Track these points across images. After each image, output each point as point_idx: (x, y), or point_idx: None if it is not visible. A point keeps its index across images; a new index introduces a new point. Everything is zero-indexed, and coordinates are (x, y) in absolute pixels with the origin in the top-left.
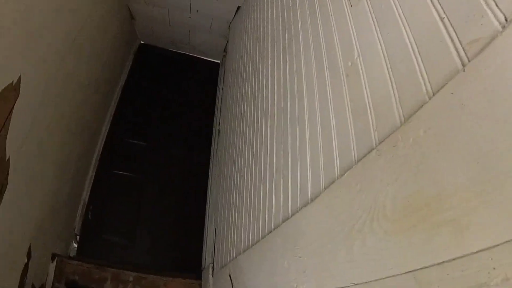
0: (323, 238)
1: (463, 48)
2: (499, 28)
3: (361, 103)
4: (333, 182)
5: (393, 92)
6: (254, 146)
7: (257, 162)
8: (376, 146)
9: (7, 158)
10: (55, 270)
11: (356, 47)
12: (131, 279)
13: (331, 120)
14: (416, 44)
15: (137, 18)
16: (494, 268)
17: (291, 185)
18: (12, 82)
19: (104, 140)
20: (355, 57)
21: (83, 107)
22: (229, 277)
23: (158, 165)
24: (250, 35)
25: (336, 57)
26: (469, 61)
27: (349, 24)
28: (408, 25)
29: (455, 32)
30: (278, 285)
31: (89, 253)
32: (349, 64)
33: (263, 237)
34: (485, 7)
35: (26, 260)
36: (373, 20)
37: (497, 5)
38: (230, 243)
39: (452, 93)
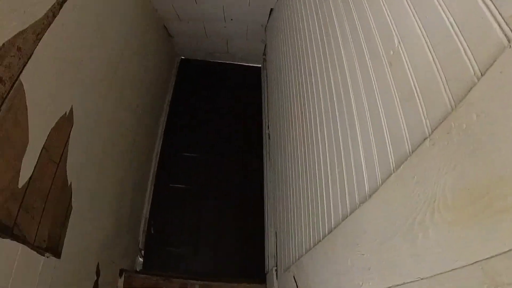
0: (385, 234)
1: (505, 23)
2: None
3: (409, 91)
4: (389, 176)
5: (440, 76)
6: (305, 146)
7: (310, 162)
8: (429, 135)
9: (69, 184)
10: (123, 285)
11: (396, 34)
12: (197, 287)
13: (380, 112)
14: (456, 24)
15: (174, 35)
16: None
17: (347, 182)
18: (65, 113)
19: (158, 156)
20: (396, 45)
21: (134, 127)
22: (293, 279)
23: (213, 174)
24: (287, 35)
25: (377, 47)
26: None
27: (385, 12)
28: (445, 5)
29: (495, 6)
30: (343, 284)
31: (155, 266)
32: (391, 52)
33: (324, 237)
34: None
35: (95, 278)
36: (408, 5)
37: None
38: (292, 245)
39: (501, 72)
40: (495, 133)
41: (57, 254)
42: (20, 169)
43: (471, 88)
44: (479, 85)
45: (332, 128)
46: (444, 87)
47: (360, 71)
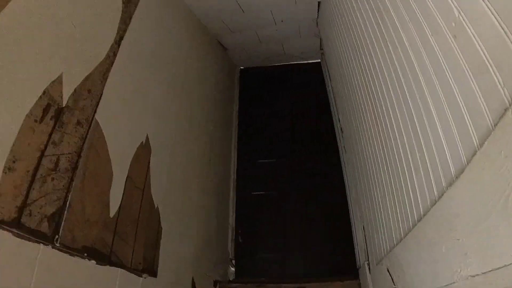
0: (479, 215)
1: None
2: None
3: (480, 62)
4: (474, 154)
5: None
6: (380, 135)
7: (388, 150)
8: (509, 105)
9: (155, 207)
10: None
11: (453, 4)
12: None
13: (453, 88)
14: None
15: (229, 48)
16: None
17: (430, 166)
18: (142, 142)
19: (236, 166)
20: (456, 16)
21: (209, 143)
22: (387, 272)
23: (291, 177)
24: (340, 26)
25: (436, 21)
26: None
27: None
28: None
29: None
30: (440, 272)
31: (247, 274)
32: (453, 24)
33: (413, 226)
34: None
35: None
36: None
37: None
38: (381, 237)
39: None
40: None
41: (154, 274)
42: (109, 200)
43: None
44: None
45: (406, 114)
46: None
47: (424, 49)
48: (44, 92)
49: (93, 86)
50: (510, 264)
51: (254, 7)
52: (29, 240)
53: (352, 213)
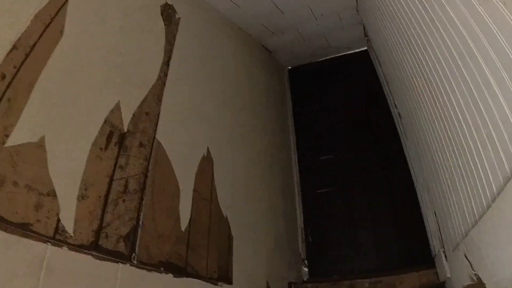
0: None
1: None
2: None
3: None
4: None
5: None
6: (440, 113)
7: (451, 128)
8: None
9: (224, 216)
10: None
11: None
12: (367, 285)
13: (510, 54)
14: None
15: (274, 50)
16: None
17: (498, 142)
18: (204, 154)
19: (297, 166)
20: None
21: (268, 147)
22: (465, 257)
23: (353, 171)
24: (382, 10)
25: None
26: None
27: None
28: None
29: None
30: None
31: (320, 273)
32: None
33: (488, 206)
34: None
35: None
36: None
37: None
38: (455, 221)
39: None
40: None
41: (229, 281)
42: (179, 214)
43: None
44: None
45: (464, 90)
46: None
47: (474, 21)
48: (105, 121)
49: (150, 108)
50: None
51: (292, 6)
52: (108, 260)
53: (421, 199)
